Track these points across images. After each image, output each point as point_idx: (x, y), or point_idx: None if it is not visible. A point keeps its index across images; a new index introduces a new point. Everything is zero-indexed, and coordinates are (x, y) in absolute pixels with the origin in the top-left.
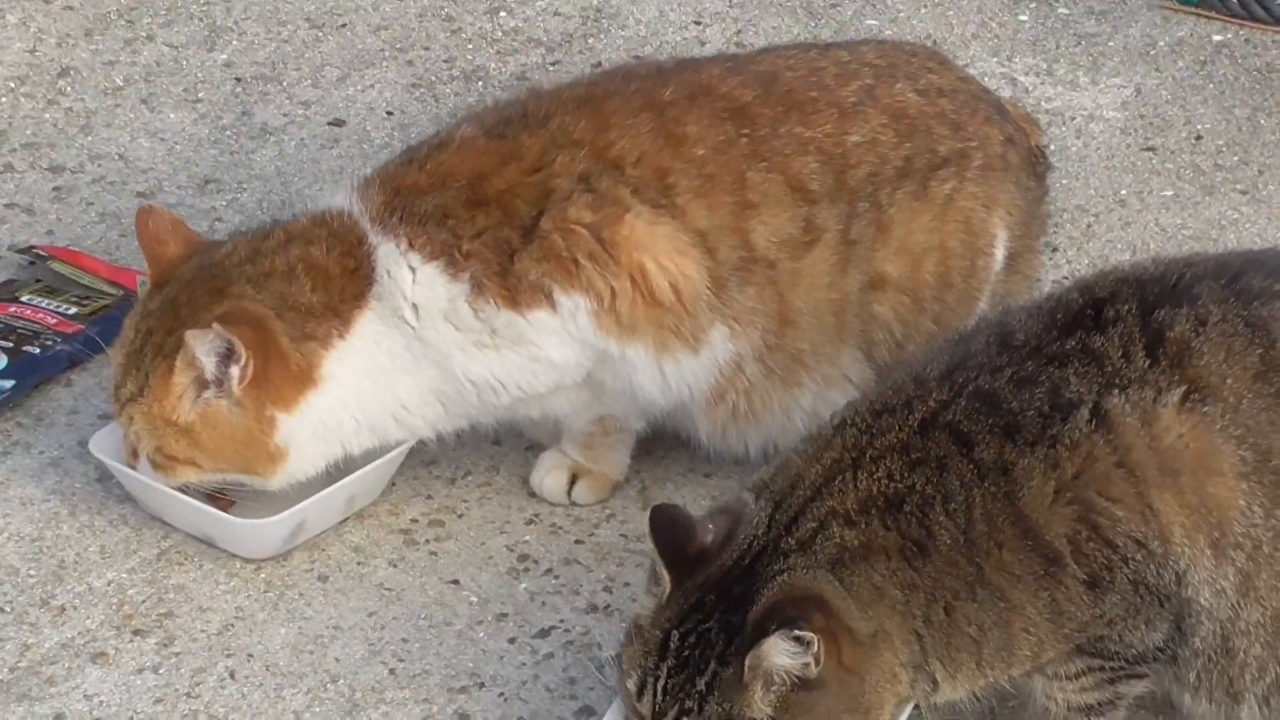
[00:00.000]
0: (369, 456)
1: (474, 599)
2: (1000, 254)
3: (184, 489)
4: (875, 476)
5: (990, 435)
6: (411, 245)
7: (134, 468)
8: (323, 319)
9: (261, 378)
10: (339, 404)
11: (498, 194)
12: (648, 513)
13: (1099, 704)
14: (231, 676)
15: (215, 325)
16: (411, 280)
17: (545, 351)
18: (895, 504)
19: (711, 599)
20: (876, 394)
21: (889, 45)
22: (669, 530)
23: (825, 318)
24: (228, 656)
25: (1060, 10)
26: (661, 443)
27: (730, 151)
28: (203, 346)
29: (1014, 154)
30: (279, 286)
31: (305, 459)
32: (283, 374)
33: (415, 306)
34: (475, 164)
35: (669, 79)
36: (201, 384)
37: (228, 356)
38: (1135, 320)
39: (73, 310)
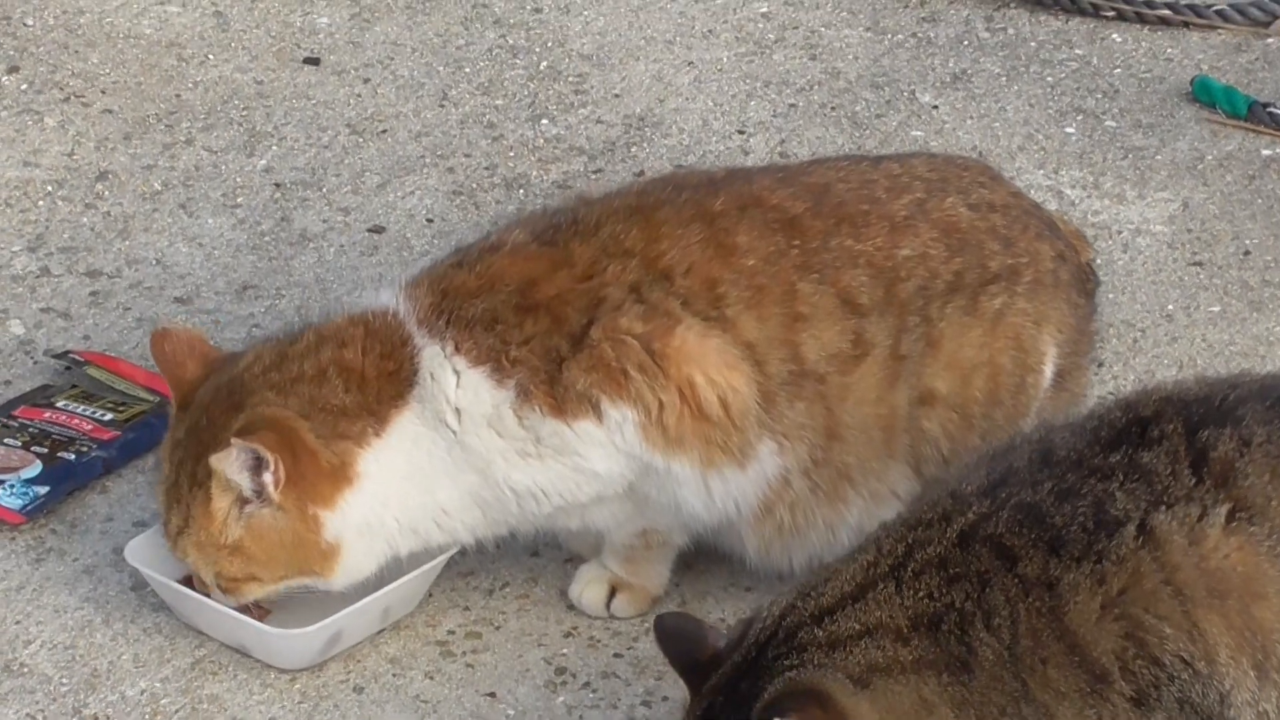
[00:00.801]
0: (414, 561)
1: (511, 712)
2: (1049, 371)
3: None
4: (915, 590)
5: (1034, 550)
6: (458, 349)
7: (209, 595)
8: (356, 418)
9: (296, 476)
10: (379, 503)
11: (548, 301)
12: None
13: None
14: None
15: (234, 440)
16: (455, 384)
17: (590, 462)
18: (935, 620)
19: (720, 702)
20: (912, 510)
21: (940, 159)
22: (675, 639)
23: (873, 433)
24: None
25: (1108, 123)
26: (703, 556)
27: (781, 263)
28: (231, 466)
29: (1065, 271)
30: (307, 390)
31: (358, 555)
32: (316, 470)
33: (458, 411)
34: (526, 269)
35: (720, 189)
36: (242, 501)
37: (258, 466)
38: (1180, 439)
39: (109, 416)
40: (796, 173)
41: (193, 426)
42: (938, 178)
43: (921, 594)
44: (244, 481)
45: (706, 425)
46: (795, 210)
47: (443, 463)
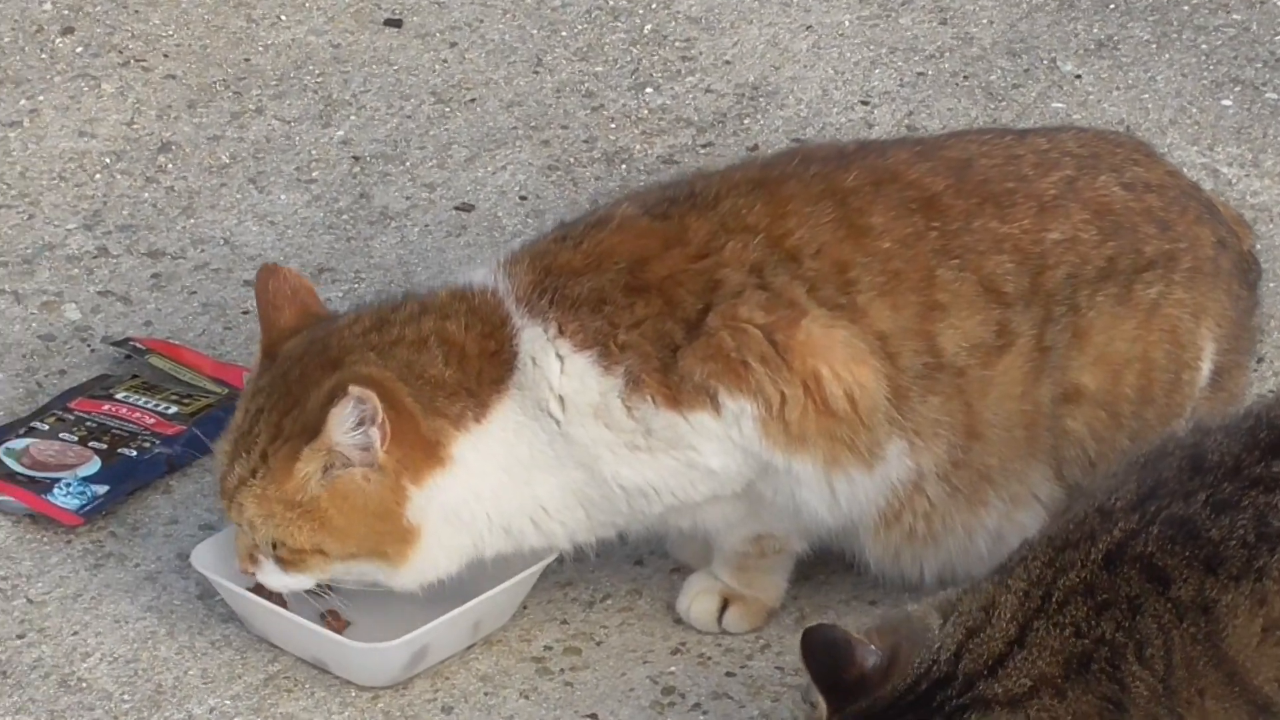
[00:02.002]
0: (505, 569)
1: None
2: (1206, 369)
3: (292, 605)
4: (1062, 626)
5: (1188, 569)
6: (561, 331)
7: (251, 574)
8: (455, 397)
9: (398, 434)
10: (471, 494)
11: (660, 281)
12: (800, 633)
13: None
14: None
15: (352, 388)
16: (559, 370)
17: (704, 458)
18: (1085, 660)
19: None
20: (1056, 526)
21: (1090, 133)
22: (826, 653)
23: (1015, 431)
24: None
25: (1268, 95)
26: (823, 566)
27: (918, 246)
28: (345, 423)
29: (1226, 258)
30: (406, 355)
31: (437, 548)
32: (415, 437)
33: (562, 399)
34: (636, 246)
35: (851, 163)
36: (328, 464)
37: (366, 423)
38: None
39: (173, 409)
40: (935, 146)
41: (280, 376)
42: (1089, 154)
43: (1069, 630)
44: (347, 441)
45: (832, 422)
46: (935, 188)
47: (544, 456)
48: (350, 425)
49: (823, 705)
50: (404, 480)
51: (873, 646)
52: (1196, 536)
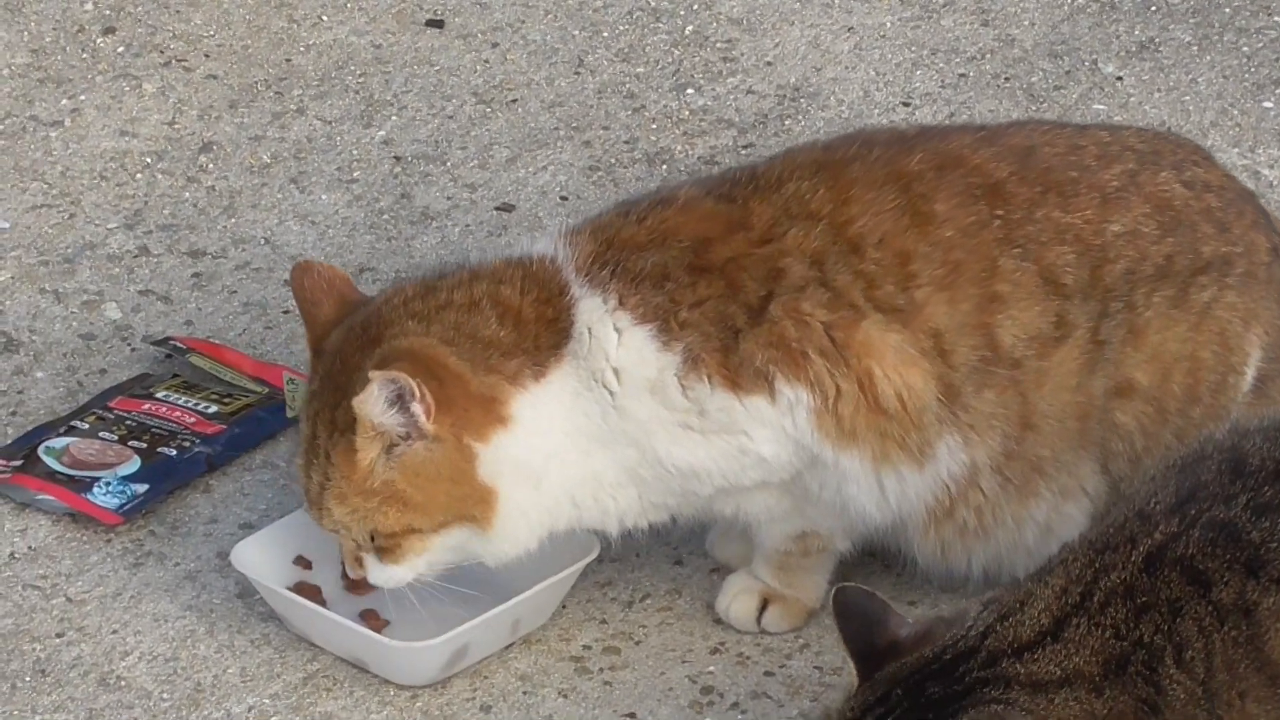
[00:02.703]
0: (539, 571)
1: None
2: (1251, 375)
3: (332, 604)
4: (1102, 628)
5: (1230, 572)
6: (621, 304)
7: (361, 577)
8: (511, 356)
9: (445, 401)
10: (537, 453)
11: (723, 263)
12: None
13: None
14: None
15: (372, 374)
16: (617, 342)
17: (756, 444)
18: (1123, 661)
19: (899, 694)
20: (1097, 530)
21: (1150, 132)
22: (858, 616)
23: (1068, 422)
24: None
25: None
26: (862, 568)
27: (981, 235)
28: (375, 406)
29: (1278, 267)
30: (454, 317)
31: (515, 510)
32: (465, 395)
33: (617, 372)
34: (700, 227)
35: (915, 147)
36: (389, 446)
37: (403, 399)
38: None
39: (213, 409)
40: (997, 133)
41: (327, 373)
42: (1149, 149)
43: (1109, 632)
44: (391, 421)
45: (883, 419)
46: (999, 174)
47: (599, 430)
48: (384, 407)
49: (853, 671)
50: (467, 439)
51: (910, 620)
52: (1238, 539)
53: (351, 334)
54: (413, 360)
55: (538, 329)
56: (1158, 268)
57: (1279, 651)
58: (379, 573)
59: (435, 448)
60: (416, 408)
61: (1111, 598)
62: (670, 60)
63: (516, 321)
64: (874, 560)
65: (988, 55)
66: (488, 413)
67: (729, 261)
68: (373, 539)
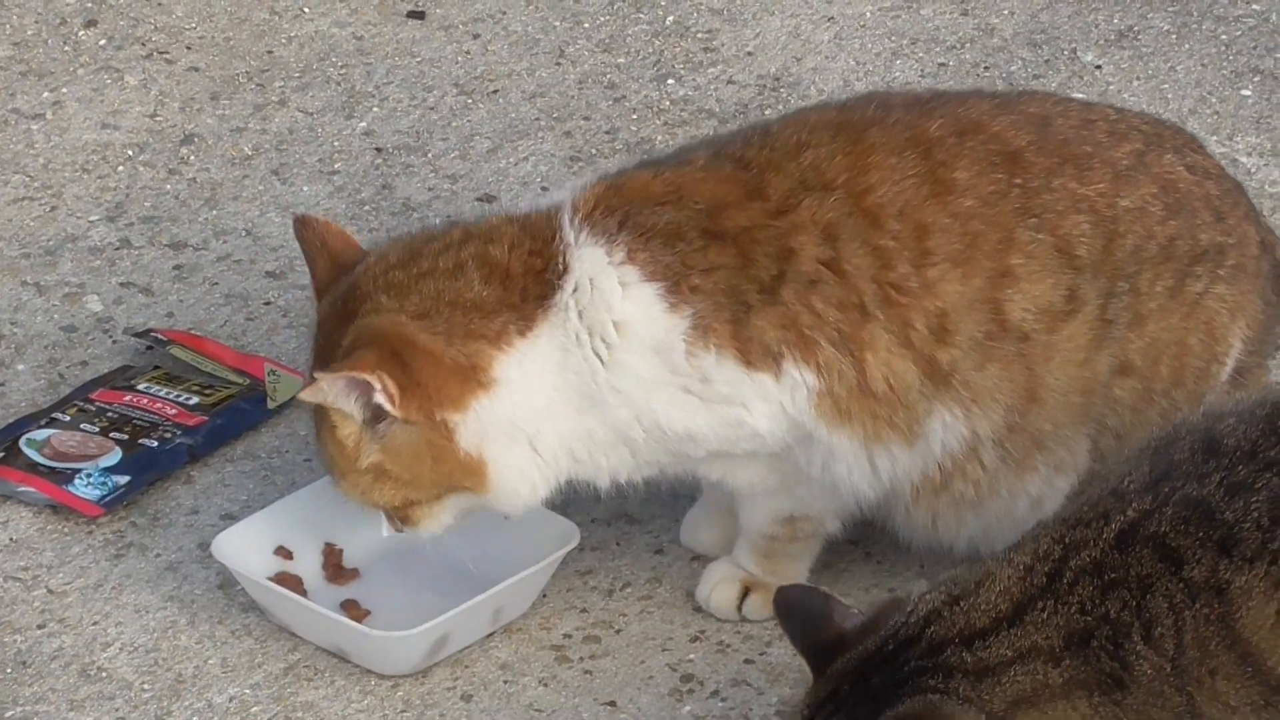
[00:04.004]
0: (520, 559)
1: None
2: (1230, 367)
3: (312, 594)
4: (1068, 604)
5: (1202, 550)
6: (630, 258)
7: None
8: (494, 315)
9: (411, 385)
10: (527, 410)
11: (738, 231)
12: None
13: None
14: None
15: (317, 375)
16: (621, 296)
17: (753, 418)
18: (1086, 635)
19: (845, 689)
20: (1070, 508)
21: (1150, 116)
22: (799, 614)
23: (1073, 397)
24: None
25: None
26: (842, 555)
27: (1000, 205)
28: (327, 398)
29: (1266, 262)
30: (434, 286)
31: (510, 470)
32: (437, 372)
33: (618, 325)
34: (717, 190)
35: (933, 111)
36: (371, 421)
37: (366, 389)
38: None
39: (194, 400)
40: (1013, 101)
41: (317, 348)
42: (1154, 132)
43: (1074, 608)
44: (354, 408)
45: (874, 402)
46: (1018, 143)
47: (589, 389)
48: (343, 399)
49: (808, 669)
50: (442, 415)
51: (856, 611)
52: (1211, 518)
53: (334, 304)
54: (378, 345)
55: (525, 281)
56: (1161, 249)
57: (1250, 630)
58: (409, 531)
59: (410, 429)
60: (379, 397)
61: (1081, 575)
62: (651, 50)
63: (504, 278)
64: (854, 548)
65: (967, 44)
66: (465, 383)
67: (743, 231)
68: (384, 508)
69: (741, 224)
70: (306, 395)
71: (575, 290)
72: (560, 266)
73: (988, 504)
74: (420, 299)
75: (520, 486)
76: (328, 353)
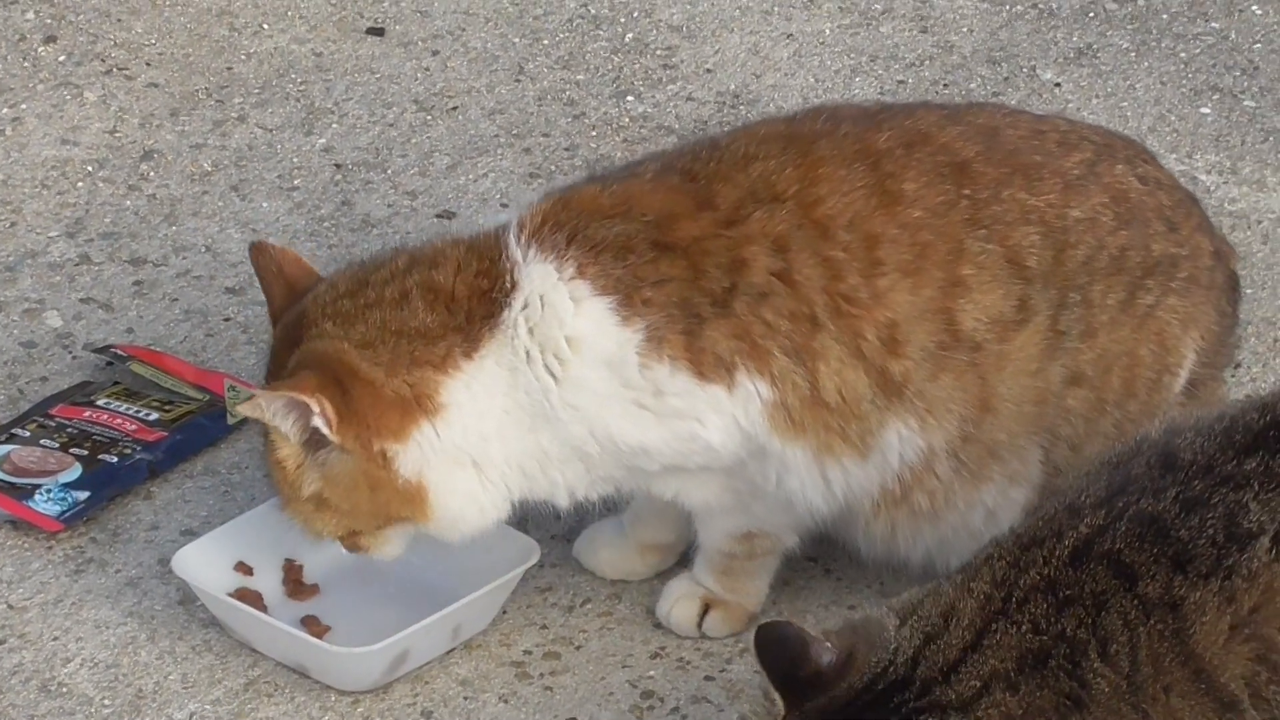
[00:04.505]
0: (480, 576)
1: None
2: (1184, 378)
3: (272, 610)
4: (1020, 624)
5: (1156, 566)
6: (580, 273)
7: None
8: (438, 340)
9: (349, 413)
10: (474, 435)
11: (688, 242)
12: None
13: None
14: None
15: (256, 392)
16: (573, 311)
17: (706, 431)
18: (1042, 656)
19: None
20: (1026, 525)
21: (1101, 128)
22: (778, 649)
23: (1026, 407)
24: None
25: (1246, 103)
26: (802, 572)
27: (949, 216)
28: (265, 415)
29: (1219, 273)
30: (379, 316)
31: (453, 495)
32: (375, 402)
33: (571, 340)
34: (666, 202)
35: (882, 123)
36: (310, 448)
37: (304, 412)
38: None
39: (154, 416)
40: (961, 112)
41: (267, 371)
42: (1104, 142)
43: (1026, 628)
44: (294, 430)
45: (826, 412)
46: (966, 154)
47: (540, 407)
48: (280, 418)
49: (780, 705)
50: (380, 445)
51: (828, 644)
52: (1165, 534)
53: (285, 330)
54: (320, 369)
55: (470, 303)
56: (1112, 259)
57: (1203, 646)
58: (366, 555)
59: (347, 458)
60: (317, 421)
61: (1032, 594)
62: (610, 67)
63: (448, 302)
64: (814, 565)
65: (926, 62)
66: (407, 413)
67: (694, 242)
68: (330, 537)
69: (692, 235)
70: (243, 409)
71: (525, 307)
72: (508, 285)
73: (944, 516)
74: (366, 328)
75: (467, 511)
76: (274, 375)
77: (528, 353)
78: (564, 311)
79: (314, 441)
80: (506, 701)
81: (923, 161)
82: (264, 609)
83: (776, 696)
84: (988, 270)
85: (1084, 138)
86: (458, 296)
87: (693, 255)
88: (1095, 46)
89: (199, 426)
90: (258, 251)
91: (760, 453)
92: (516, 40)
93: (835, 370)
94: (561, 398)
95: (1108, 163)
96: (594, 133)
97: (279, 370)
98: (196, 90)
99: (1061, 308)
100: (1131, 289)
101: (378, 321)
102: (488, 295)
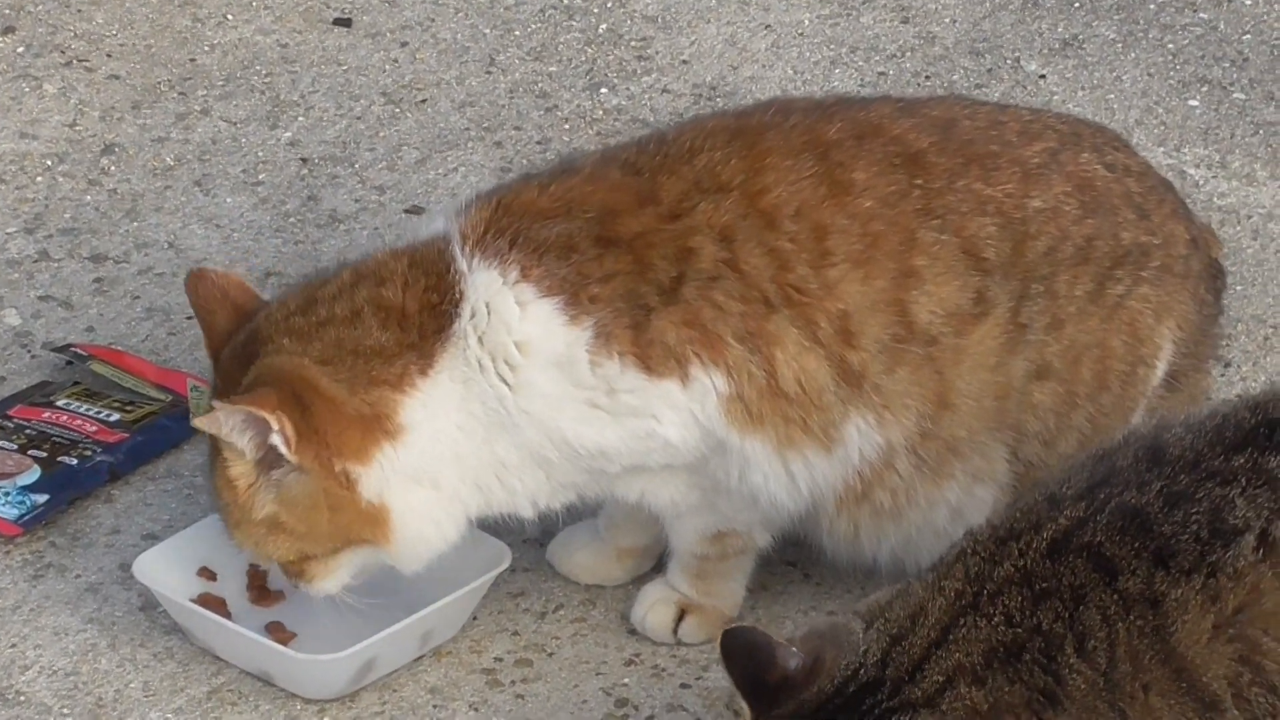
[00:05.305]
0: (450, 581)
1: None
2: (1162, 369)
3: (237, 616)
4: (992, 616)
5: (1138, 560)
6: (524, 275)
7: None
8: (395, 359)
9: (310, 431)
10: (432, 455)
11: (631, 237)
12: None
13: None
14: None
15: (217, 404)
16: (519, 316)
17: (663, 428)
18: (1015, 649)
19: None
20: (1003, 517)
21: (1070, 116)
22: (746, 656)
23: (986, 402)
24: None
25: (1236, 95)
26: (781, 577)
27: (901, 206)
28: (222, 431)
29: (1196, 261)
30: (334, 333)
31: (416, 517)
32: (338, 421)
33: (520, 346)
34: (607, 197)
35: (834, 115)
36: (266, 466)
37: (265, 428)
38: None
39: (115, 417)
40: (918, 104)
41: (216, 390)
42: (1070, 130)
43: (999, 620)
44: (249, 447)
45: (785, 403)
46: (919, 145)
47: (497, 414)
48: (237, 434)
49: (748, 712)
50: (342, 465)
51: (794, 650)
52: (1148, 528)
53: (235, 350)
54: (279, 386)
55: (422, 318)
56: (1078, 249)
57: (1185, 644)
58: (303, 588)
59: (305, 478)
60: (276, 439)
61: (1005, 586)
62: (584, 59)
63: (400, 319)
64: (793, 569)
65: (908, 53)
66: (370, 429)
67: (637, 236)
68: (277, 563)
69: (635, 229)
70: (200, 423)
71: (473, 316)
72: (456, 295)
73: (907, 514)
74: (323, 346)
75: (428, 532)
76: (226, 391)
77: (480, 362)
78: (510, 316)
79: (269, 461)
80: (477, 710)
81: (874, 152)
82: (228, 615)
83: (743, 704)
84: (942, 261)
85: (1048, 127)
86: (409, 312)
87: (638, 249)
88: (1081, 37)
89: (161, 428)
90: (197, 279)
91: (720, 448)
92: (487, 31)
93: (793, 356)
94: (517, 404)
95: (1072, 151)
96: (567, 126)
97: (231, 388)
98: (159, 82)
99: (1024, 299)
100: (1100, 279)
101: (333, 339)
102: (437, 309)
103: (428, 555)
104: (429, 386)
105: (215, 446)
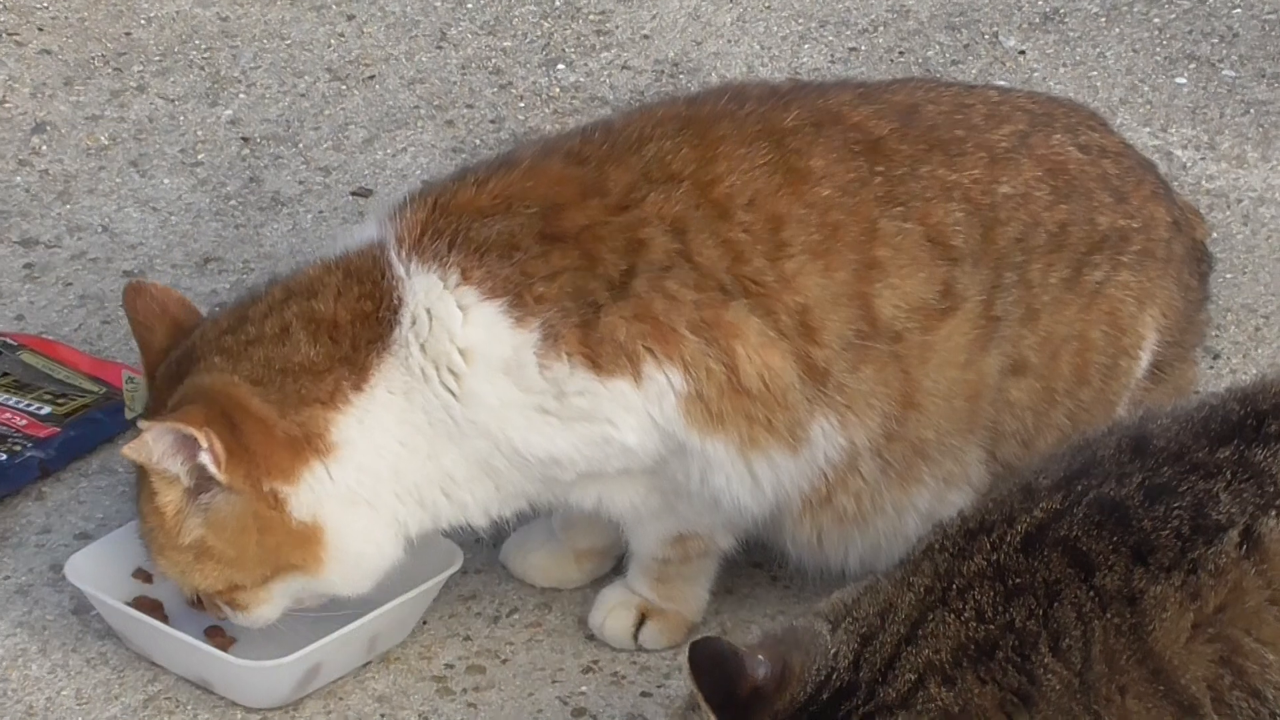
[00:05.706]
0: (398, 583)
1: None
2: (1146, 359)
3: (174, 620)
4: (964, 613)
5: (1115, 556)
6: (465, 278)
7: (200, 609)
8: (325, 375)
9: (240, 450)
10: (368, 472)
11: (577, 231)
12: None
13: None
14: None
15: (142, 424)
16: (461, 321)
17: (620, 433)
18: (988, 648)
19: None
20: (975, 509)
21: (1043, 96)
22: (715, 669)
23: (957, 402)
24: None
25: (1225, 73)
26: (747, 579)
27: (861, 194)
28: (151, 454)
29: (1179, 244)
30: (263, 352)
31: (352, 538)
32: (267, 441)
33: (464, 353)
34: (550, 191)
35: (791, 102)
36: (194, 492)
37: (192, 448)
38: None
39: (46, 410)
40: (879, 90)
41: (149, 411)
42: (1042, 111)
43: (969, 616)
44: (179, 469)
45: (747, 401)
46: (879, 132)
47: (442, 424)
48: (167, 455)
49: None
50: (272, 485)
51: (761, 658)
52: (1126, 522)
53: (170, 368)
54: (208, 404)
55: (354, 329)
56: (1051, 236)
57: (1163, 644)
58: (238, 617)
59: (234, 499)
60: (205, 458)
61: (976, 580)
62: (540, 34)
63: (332, 331)
64: (760, 571)
65: (880, 28)
66: (300, 450)
67: (584, 230)
68: (202, 593)
69: (581, 223)
70: (129, 451)
71: (413, 324)
72: (394, 303)
73: (873, 521)
74: (252, 365)
75: (366, 554)
76: (157, 411)
77: (423, 372)
78: (452, 322)
79: (198, 485)
80: (427, 719)
81: (832, 139)
82: (165, 619)
83: (711, 718)
84: (905, 252)
85: (1018, 108)
86: (340, 324)
87: (585, 243)
88: (1062, 11)
89: (94, 421)
90: (135, 294)
91: (680, 450)
92: (438, 4)
93: (755, 349)
94: (464, 414)
95: (1043, 133)
96: (522, 104)
97: (160, 405)
98: (92, 58)
99: (996, 290)
100: (1076, 266)
101: (262, 358)
102: (372, 317)
103: (369, 576)
104: (364, 401)
105: (143, 469)
